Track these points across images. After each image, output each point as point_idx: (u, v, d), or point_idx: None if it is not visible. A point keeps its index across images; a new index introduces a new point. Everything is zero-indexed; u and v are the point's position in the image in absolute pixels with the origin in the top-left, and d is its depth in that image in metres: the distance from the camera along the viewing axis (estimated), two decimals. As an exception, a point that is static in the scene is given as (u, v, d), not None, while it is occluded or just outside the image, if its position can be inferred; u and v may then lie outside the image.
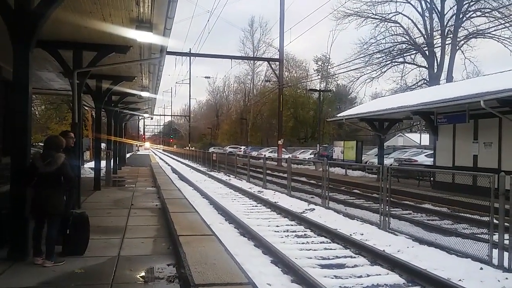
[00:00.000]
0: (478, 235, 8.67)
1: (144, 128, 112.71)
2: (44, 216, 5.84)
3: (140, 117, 46.11)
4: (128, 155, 45.15)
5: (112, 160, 18.55)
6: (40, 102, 42.67)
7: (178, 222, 8.22)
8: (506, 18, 34.33)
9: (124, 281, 5.15)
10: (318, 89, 48.93)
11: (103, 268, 5.67)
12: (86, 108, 30.06)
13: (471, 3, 40.40)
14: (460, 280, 6.27)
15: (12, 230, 5.87)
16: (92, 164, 21.34)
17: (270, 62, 42.23)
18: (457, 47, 41.56)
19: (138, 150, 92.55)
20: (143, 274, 5.48)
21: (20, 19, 5.74)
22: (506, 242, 6.96)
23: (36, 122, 41.42)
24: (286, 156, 31.84)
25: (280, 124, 38.50)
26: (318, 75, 61.72)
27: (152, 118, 71.01)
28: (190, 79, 72.81)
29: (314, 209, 12.79)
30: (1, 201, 6.75)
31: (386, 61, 44.16)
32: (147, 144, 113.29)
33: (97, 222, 8.15)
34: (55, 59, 10.55)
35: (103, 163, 17.05)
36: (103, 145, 21.22)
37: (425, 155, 24.16)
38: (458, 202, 13.06)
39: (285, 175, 19.62)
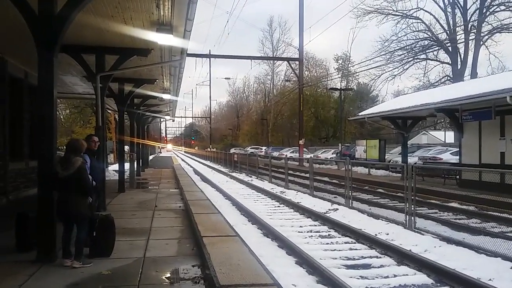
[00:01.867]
0: (507, 234, 8.45)
1: (166, 130, 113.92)
2: (69, 219, 5.94)
3: (161, 119, 46.52)
4: (150, 157, 45.68)
5: (135, 163, 18.77)
6: (65, 106, 43.53)
7: (202, 223, 8.25)
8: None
9: (150, 282, 5.19)
10: (339, 87, 48.56)
11: (129, 269, 5.72)
12: (109, 111, 30.52)
13: (495, -3, 39.46)
14: (490, 279, 6.12)
15: (39, 233, 5.98)
16: (116, 166, 21.67)
17: (290, 61, 42.10)
18: (481, 42, 40.66)
19: (160, 152, 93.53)
20: (168, 275, 5.50)
21: (44, 24, 5.84)
22: (538, 241, 6.75)
23: (61, 126, 42.27)
24: (308, 156, 31.70)
25: (301, 124, 38.31)
26: (338, 73, 61.22)
27: (173, 120, 71.59)
28: (210, 80, 73.10)
29: (337, 209, 12.67)
30: (29, 204, 6.90)
31: (408, 58, 43.45)
32: (169, 146, 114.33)
33: (123, 224, 8.24)
34: (79, 63, 10.73)
35: (126, 166, 17.27)
36: (126, 148, 21.50)
37: (450, 153, 23.69)
38: (485, 200, 12.76)
39: (307, 175, 19.53)
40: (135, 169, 18.21)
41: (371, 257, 7.56)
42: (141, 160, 24.15)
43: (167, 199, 13.18)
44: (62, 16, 5.90)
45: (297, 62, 38.91)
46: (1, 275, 5.36)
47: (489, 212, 11.55)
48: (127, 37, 9.64)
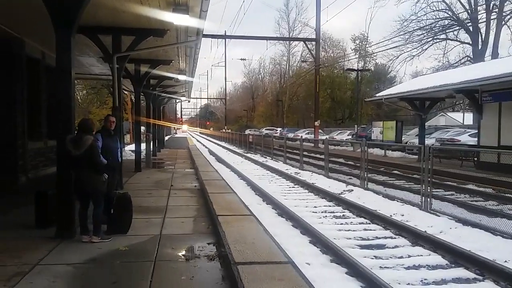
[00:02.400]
0: (525, 216, 8.36)
1: (181, 111, 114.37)
2: (85, 195, 6.07)
3: (177, 100, 46.71)
4: (166, 138, 46.03)
5: (151, 143, 18.94)
6: (82, 87, 43.89)
7: (217, 202, 8.34)
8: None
9: (166, 259, 5.30)
10: (356, 68, 47.96)
11: (146, 246, 5.84)
12: (126, 92, 30.74)
13: (519, -25, 38.19)
14: (506, 261, 6.09)
15: (58, 210, 6.13)
16: (132, 147, 21.93)
17: (306, 42, 41.73)
18: (503, 22, 39.53)
19: (176, 133, 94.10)
20: (184, 252, 5.60)
21: (61, 5, 5.87)
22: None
23: (79, 106, 42.72)
24: (323, 138, 31.59)
25: (317, 105, 38.04)
26: (355, 54, 60.42)
27: (189, 101, 72.00)
28: (225, 61, 72.70)
29: (352, 190, 12.66)
30: (48, 182, 7.05)
31: (427, 38, 42.58)
32: (185, 127, 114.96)
33: (139, 202, 8.38)
34: (95, 44, 10.79)
35: (143, 146, 17.46)
36: (142, 128, 21.69)
37: (468, 135, 23.33)
38: (503, 182, 12.59)
39: (322, 156, 19.49)
40: (151, 149, 18.38)
41: (385, 237, 7.57)
42: (157, 141, 24.35)
43: (182, 178, 13.32)
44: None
45: (313, 43, 38.48)
46: (21, 250, 5.52)
47: (506, 195, 11.40)
48: (143, 18, 9.63)
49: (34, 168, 12.09)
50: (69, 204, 6.10)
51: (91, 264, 5.12)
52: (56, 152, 6.32)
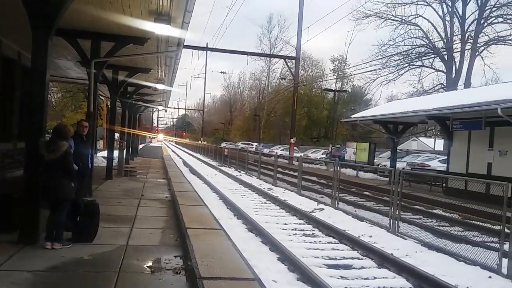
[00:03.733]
0: (488, 244, 8.56)
1: (157, 120, 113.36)
2: (55, 201, 5.94)
3: (154, 109, 46.36)
4: (140, 146, 45.53)
5: (125, 151, 18.70)
6: (57, 89, 43.16)
7: (187, 214, 8.26)
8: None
9: (131, 270, 5.20)
10: (333, 89, 48.70)
11: (111, 256, 5.73)
12: (102, 98, 30.34)
13: (493, 9, 39.73)
14: (467, 287, 6.22)
15: (23, 214, 5.96)
16: (105, 153, 21.57)
17: (286, 59, 42.12)
18: (477, 53, 40.91)
19: (151, 142, 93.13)
20: (150, 264, 5.52)
21: (41, 6, 5.80)
22: (517, 252, 6.87)
23: (52, 109, 41.89)
24: (298, 155, 31.79)
25: (293, 123, 38.38)
26: (334, 75, 61.40)
27: (166, 111, 71.49)
28: (205, 73, 72.80)
29: (323, 209, 12.75)
30: (14, 185, 6.87)
31: (403, 64, 43.63)
32: (160, 136, 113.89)
33: (108, 211, 8.23)
34: (74, 48, 10.68)
35: (116, 153, 17.21)
36: (116, 135, 21.41)
37: (438, 161, 23.91)
38: (469, 209, 12.90)
39: (296, 173, 19.60)
40: (124, 157, 18.14)
41: (352, 258, 7.64)
42: (130, 149, 24.06)
43: (154, 188, 13.17)
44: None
45: (293, 61, 38.96)
46: (-18, 254, 5.34)
47: (472, 221, 11.69)
48: (124, 25, 9.59)
49: (1, 170, 11.77)
50: (34, 209, 5.94)
51: (53, 272, 4.98)
52: (25, 154, 6.18)
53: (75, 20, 9.30)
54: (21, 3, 5.81)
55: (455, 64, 42.15)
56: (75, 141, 6.48)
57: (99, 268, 5.22)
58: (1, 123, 11.69)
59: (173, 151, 58.37)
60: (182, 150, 66.42)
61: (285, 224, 10.46)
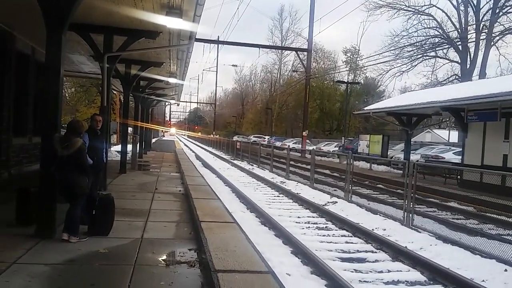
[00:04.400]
0: (504, 236, 8.48)
1: (170, 114, 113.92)
2: (72, 196, 6.01)
3: (166, 103, 46.55)
4: (153, 140, 45.79)
5: (138, 145, 18.83)
6: (70, 84, 43.54)
7: (201, 208, 8.30)
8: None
9: (146, 263, 5.25)
10: (346, 81, 48.36)
11: (126, 249, 5.79)
12: (115, 92, 30.55)
13: (509, -2, 38.99)
14: (483, 280, 6.17)
15: (40, 208, 6.04)
16: (118, 147, 21.77)
17: (298, 52, 41.90)
18: (492, 43, 40.24)
19: (163, 136, 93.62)
20: (165, 257, 5.56)
21: (54, 2, 5.83)
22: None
23: (66, 104, 42.34)
24: (310, 148, 31.72)
25: (306, 115, 38.23)
26: (346, 66, 60.96)
27: (178, 105, 71.72)
28: (217, 66, 72.78)
29: (336, 202, 12.72)
30: (30, 179, 6.96)
31: (417, 55, 43.12)
32: (173, 130, 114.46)
33: (122, 205, 8.30)
34: (87, 43, 10.74)
35: (129, 147, 17.34)
36: (129, 129, 21.55)
37: (453, 153, 23.66)
38: (485, 201, 12.77)
39: (309, 166, 19.56)
40: (137, 151, 18.27)
41: (366, 251, 7.62)
42: (143, 143, 24.21)
43: (167, 182, 13.25)
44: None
45: (305, 53, 38.77)
46: None
47: (487, 214, 11.56)
48: (136, 19, 9.62)
49: (17, 164, 11.94)
50: (51, 203, 6.02)
51: (69, 265, 5.05)
52: (40, 149, 6.25)
53: (88, 15, 9.35)
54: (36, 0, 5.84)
55: (470, 55, 41.54)
56: (89, 136, 6.54)
57: (115, 261, 5.28)
58: (16, 118, 11.83)
59: (185, 145, 58.64)
60: (194, 143, 66.70)
61: (298, 217, 10.46)
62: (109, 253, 5.55)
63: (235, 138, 53.70)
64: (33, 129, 12.94)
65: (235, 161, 28.67)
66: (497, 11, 39.37)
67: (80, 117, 37.99)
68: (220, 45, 52.20)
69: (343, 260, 7.04)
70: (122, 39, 10.89)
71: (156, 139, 60.59)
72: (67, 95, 44.90)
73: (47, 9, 5.86)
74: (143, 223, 7.38)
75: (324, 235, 8.72)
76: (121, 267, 5.07)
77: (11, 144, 11.46)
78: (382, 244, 7.87)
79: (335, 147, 41.00)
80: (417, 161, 17.99)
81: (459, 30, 41.76)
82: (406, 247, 7.57)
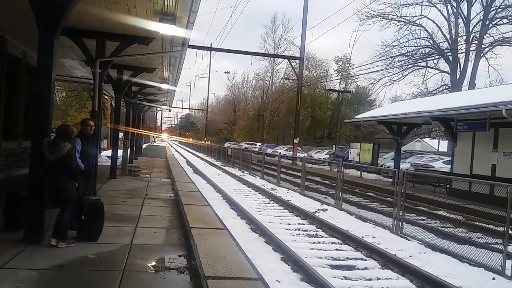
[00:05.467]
0: (492, 245, 8.56)
1: (161, 120, 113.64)
2: (57, 202, 5.98)
3: (158, 109, 46.44)
4: (144, 146, 45.60)
5: (128, 150, 18.74)
6: (62, 89, 43.26)
7: (191, 214, 8.29)
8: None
9: (135, 269, 5.23)
10: (337, 89, 48.63)
11: (115, 255, 5.76)
12: (106, 97, 30.40)
13: (499, 10, 39.61)
14: (471, 288, 6.21)
15: (28, 212, 6.00)
16: (109, 152, 21.64)
17: (290, 60, 42.10)
18: (482, 54, 40.83)
19: (154, 141, 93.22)
20: (154, 263, 5.54)
21: (47, 6, 5.82)
22: (521, 253, 6.86)
23: (57, 109, 42.03)
24: (301, 155, 31.80)
25: (297, 123, 38.38)
26: (338, 75, 61.35)
27: (170, 110, 71.61)
28: (209, 73, 72.87)
29: (326, 209, 12.76)
30: (19, 184, 6.90)
31: (408, 65, 43.60)
32: (164, 136, 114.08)
33: (112, 210, 8.26)
34: (79, 47, 10.70)
35: (120, 152, 17.26)
36: (120, 134, 21.45)
37: (442, 162, 23.84)
38: (473, 210, 12.89)
39: (299, 174, 19.60)
40: (128, 157, 18.19)
41: (356, 258, 7.64)
42: (134, 148, 24.11)
43: (158, 188, 13.20)
44: (65, -1, 5.89)
45: (297, 61, 38.97)
46: (-13, 252, 5.37)
47: (475, 223, 11.66)
48: (129, 25, 9.61)
49: (7, 169, 11.83)
50: (40, 208, 5.97)
51: (58, 270, 5.01)
52: (30, 153, 6.21)
53: (80, 20, 9.34)
54: (28, 3, 5.84)
55: (460, 65, 42.07)
56: (82, 141, 6.52)
57: (104, 267, 5.24)
58: (6, 122, 11.74)
59: (176, 150, 58.44)
60: (185, 149, 66.51)
61: (289, 224, 10.47)
62: (98, 259, 5.51)
63: (227, 144, 53.69)
64: (23, 133, 12.84)
65: (226, 168, 28.64)
66: (487, 22, 39.99)
67: (70, 121, 37.76)
68: (212, 52, 52.25)
69: (333, 267, 7.05)
70: (114, 44, 10.88)
71: (147, 144, 60.33)
72: (58, 99, 44.57)
73: (40, 14, 5.85)
74: (132, 228, 7.34)
75: (314, 242, 8.74)
76: (110, 273, 5.04)
77: (0, 148, 11.36)
78: (371, 251, 7.90)
79: (326, 154, 41.16)
80: (407, 169, 18.13)
81: (450, 41, 42.33)
82: (395, 254, 7.61)
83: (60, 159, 5.77)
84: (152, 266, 5.43)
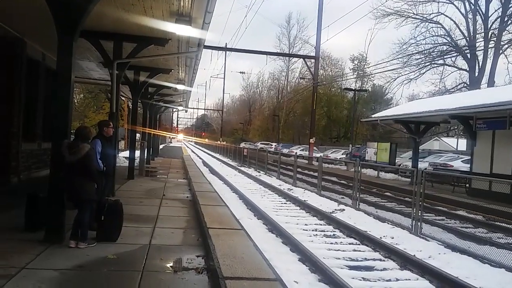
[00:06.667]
0: (514, 246, 8.40)
1: (177, 120, 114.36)
2: (76, 202, 6.05)
3: (174, 109, 46.74)
4: (161, 146, 45.96)
5: (146, 151, 18.90)
6: (79, 90, 43.85)
7: (208, 214, 8.31)
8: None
9: (154, 269, 5.26)
10: (353, 88, 48.33)
11: (134, 255, 5.81)
12: (123, 98, 30.74)
13: (517, 6, 38.85)
14: (493, 290, 6.10)
15: (49, 213, 6.08)
16: (126, 153, 21.88)
17: (305, 59, 41.95)
18: (500, 51, 40.12)
19: (171, 142, 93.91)
20: (172, 263, 5.56)
21: (66, 10, 5.90)
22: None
23: (75, 110, 42.61)
24: (318, 155, 31.65)
25: (313, 122, 38.20)
26: (354, 74, 60.96)
27: (186, 111, 71.94)
28: (224, 73, 73.16)
29: (344, 209, 12.67)
30: (39, 185, 7.01)
31: (425, 63, 43.03)
32: (180, 136, 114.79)
33: (130, 211, 8.33)
34: (96, 49, 10.85)
35: (137, 153, 17.42)
36: (137, 135, 21.66)
37: (461, 161, 23.50)
38: (494, 210, 12.65)
39: (316, 174, 19.52)
40: (145, 157, 18.34)
41: (374, 259, 7.57)
42: (151, 149, 24.30)
43: (175, 188, 13.28)
44: (84, 2, 5.96)
45: (312, 60, 38.79)
46: (9, 252, 5.46)
47: (496, 223, 11.44)
48: (146, 26, 9.70)
49: (27, 170, 12.03)
50: (60, 208, 6.06)
51: (78, 270, 5.07)
52: (50, 155, 6.30)
53: (98, 22, 9.45)
54: (47, 7, 5.92)
55: (478, 63, 41.39)
56: (102, 142, 6.60)
57: (123, 267, 5.29)
58: (26, 124, 11.94)
59: (192, 151, 58.77)
60: (201, 150, 66.82)
61: (306, 224, 10.43)
62: (117, 259, 5.56)
63: (242, 144, 53.76)
64: (42, 134, 13.05)
65: (242, 168, 28.67)
66: (506, 19, 39.25)
67: (88, 123, 38.19)
68: (228, 52, 52.42)
69: (351, 268, 7.00)
70: (131, 46, 10.99)
71: (163, 145, 60.79)
72: (76, 101, 45.20)
73: (59, 17, 5.94)
74: (150, 229, 7.40)
75: (331, 243, 8.68)
76: (129, 273, 5.09)
77: (21, 149, 11.56)
78: (390, 252, 7.81)
79: (342, 154, 40.90)
80: (425, 169, 17.89)
81: (468, 38, 41.66)
82: (414, 255, 7.51)
83: (80, 160, 5.85)
84: (170, 266, 5.46)
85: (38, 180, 11.59)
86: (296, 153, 32.91)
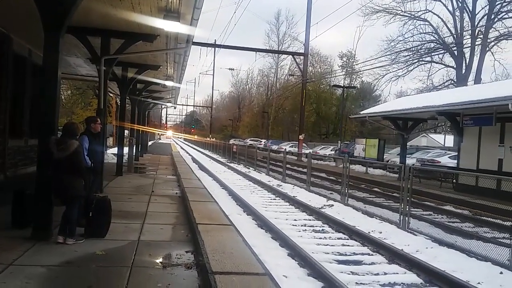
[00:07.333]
0: (499, 240, 8.53)
1: (166, 117, 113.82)
2: (64, 199, 6.01)
3: (163, 106, 46.51)
4: (150, 143, 45.71)
5: (134, 147, 18.81)
6: (67, 87, 43.42)
7: (197, 210, 8.31)
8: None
9: (143, 265, 5.25)
10: (342, 85, 48.53)
11: (123, 251, 5.79)
12: (111, 95, 30.48)
13: (504, 4, 39.27)
14: (479, 283, 6.20)
15: (36, 210, 6.04)
16: (114, 150, 21.72)
17: (294, 56, 42.03)
18: (487, 48, 40.53)
19: (159, 139, 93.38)
20: (161, 259, 5.56)
21: (52, 5, 5.84)
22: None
23: (62, 107, 42.18)
24: (307, 151, 31.75)
25: (302, 119, 38.29)
26: (342, 71, 61.16)
27: (175, 108, 71.66)
28: (213, 70, 73.04)
29: (332, 205, 12.75)
30: (26, 182, 6.95)
31: (413, 60, 43.37)
32: (169, 133, 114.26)
33: (119, 207, 8.30)
34: (84, 45, 10.73)
35: (125, 150, 17.32)
36: (126, 132, 21.53)
37: (448, 157, 23.76)
38: (480, 205, 12.83)
39: (305, 170, 19.59)
40: (134, 154, 18.25)
41: (363, 254, 7.64)
42: (140, 145, 24.18)
43: (164, 185, 13.24)
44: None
45: (301, 57, 38.87)
46: (-4, 249, 5.42)
47: (482, 217, 11.62)
48: (134, 22, 9.62)
49: (14, 167, 11.88)
50: (47, 205, 6.01)
51: (66, 266, 5.05)
52: (37, 152, 6.25)
53: (85, 18, 9.36)
54: (34, 2, 5.85)
55: (465, 60, 41.78)
56: (89, 139, 6.56)
57: (112, 263, 5.28)
58: (13, 120, 11.79)
59: (182, 148, 58.55)
60: (190, 147, 66.60)
61: (295, 220, 10.48)
62: (105, 255, 5.54)
63: (232, 141, 53.67)
64: (29, 131, 12.89)
65: (231, 164, 28.66)
66: (493, 17, 39.67)
67: (76, 119, 37.87)
68: (217, 49, 52.25)
69: (340, 262, 7.06)
70: (119, 42, 10.89)
71: (152, 142, 60.46)
72: (63, 97, 44.74)
73: (45, 12, 5.87)
74: (139, 225, 7.38)
75: (320, 238, 8.74)
76: (118, 269, 5.07)
77: (7, 146, 11.42)
78: (378, 246, 7.89)
79: (331, 150, 41.08)
80: (413, 165, 18.07)
81: (455, 35, 42.01)
82: (402, 249, 7.60)
83: (68, 157, 5.80)
84: (159, 262, 5.45)
85: (25, 177, 11.45)
86: (285, 149, 32.98)
